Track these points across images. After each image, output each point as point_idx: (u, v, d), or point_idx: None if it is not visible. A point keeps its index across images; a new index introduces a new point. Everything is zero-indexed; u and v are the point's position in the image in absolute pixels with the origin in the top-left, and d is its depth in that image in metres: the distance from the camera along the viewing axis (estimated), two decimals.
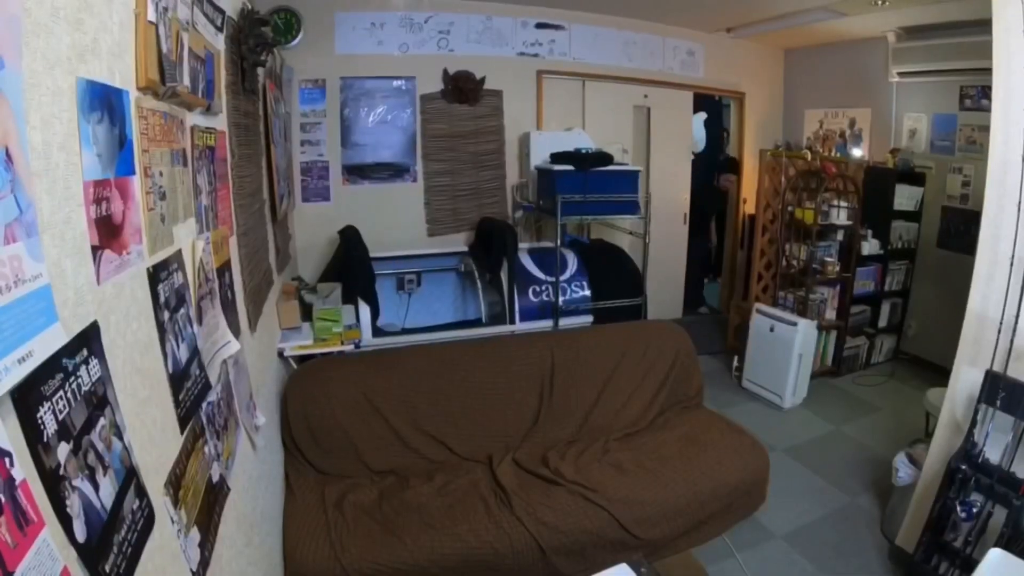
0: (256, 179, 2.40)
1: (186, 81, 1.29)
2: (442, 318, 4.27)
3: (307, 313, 2.92)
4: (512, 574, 2.14)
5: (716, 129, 5.92)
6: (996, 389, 2.07)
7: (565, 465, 2.46)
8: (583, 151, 3.87)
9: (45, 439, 0.70)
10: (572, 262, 3.97)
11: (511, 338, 3.29)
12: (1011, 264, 2.10)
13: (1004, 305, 2.11)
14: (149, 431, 1.02)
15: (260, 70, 2.40)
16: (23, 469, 0.66)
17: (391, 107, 4.29)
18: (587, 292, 3.89)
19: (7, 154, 0.66)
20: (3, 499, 0.61)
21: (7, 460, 0.63)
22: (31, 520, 0.65)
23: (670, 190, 5.20)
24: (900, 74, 4.72)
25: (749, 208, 5.18)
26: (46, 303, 0.73)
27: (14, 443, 0.65)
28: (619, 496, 2.29)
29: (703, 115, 5.66)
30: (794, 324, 3.99)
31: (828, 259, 4.38)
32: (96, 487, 0.80)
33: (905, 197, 4.56)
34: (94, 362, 0.83)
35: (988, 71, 2.17)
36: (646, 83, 5.03)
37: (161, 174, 1.14)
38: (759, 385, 4.20)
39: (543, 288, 3.81)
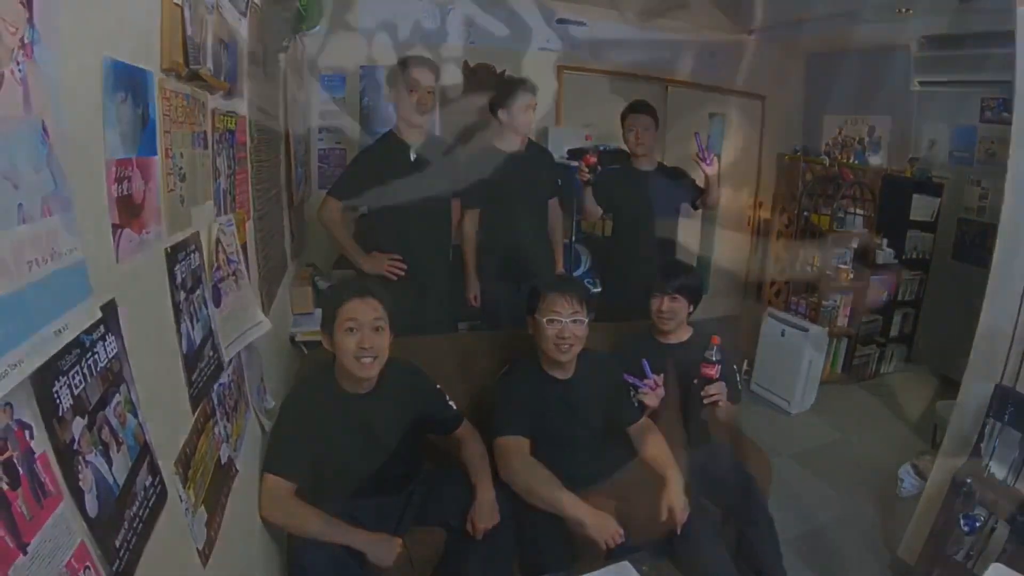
0: (274, 164, 2.41)
1: (209, 64, 1.30)
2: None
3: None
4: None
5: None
6: (1005, 404, 2.06)
7: None
8: (601, 148, 3.85)
9: (60, 413, 0.71)
10: (585, 259, 3.96)
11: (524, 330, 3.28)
12: None
13: (1017, 320, 2.09)
14: (161, 409, 1.03)
15: (281, 56, 2.41)
16: (40, 442, 0.67)
17: None
18: (597, 290, 3.88)
19: (43, 128, 0.66)
20: (22, 471, 0.62)
21: (27, 432, 0.64)
22: (49, 492, 0.66)
23: None
24: (922, 83, 4.66)
25: (764, 212, 5.15)
26: (80, 277, 0.73)
27: (32, 416, 0.66)
28: (615, 496, 2.28)
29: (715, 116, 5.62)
30: (805, 330, 3.97)
31: (842, 266, 4.35)
32: (110, 463, 0.81)
33: (921, 207, 4.51)
34: (111, 339, 0.84)
35: (1010, 84, 2.14)
36: (666, 82, 5.00)
37: (182, 155, 1.15)
38: (767, 389, 4.18)
39: None
